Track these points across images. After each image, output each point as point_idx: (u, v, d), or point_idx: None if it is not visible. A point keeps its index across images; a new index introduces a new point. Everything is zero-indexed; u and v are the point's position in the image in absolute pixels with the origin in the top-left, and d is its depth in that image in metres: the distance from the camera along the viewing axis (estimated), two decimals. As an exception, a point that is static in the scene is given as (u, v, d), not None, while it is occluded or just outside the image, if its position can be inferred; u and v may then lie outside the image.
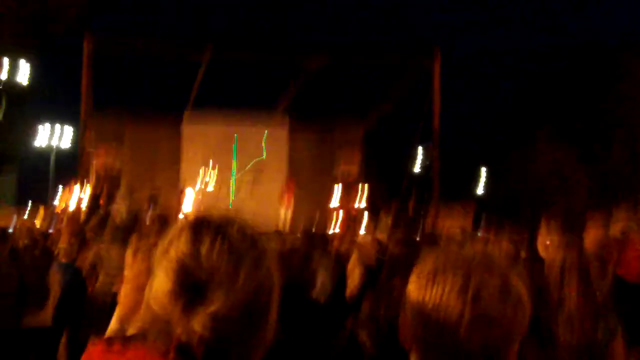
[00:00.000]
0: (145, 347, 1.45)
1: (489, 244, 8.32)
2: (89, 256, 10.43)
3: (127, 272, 3.16)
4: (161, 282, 1.44)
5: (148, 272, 2.86)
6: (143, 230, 11.87)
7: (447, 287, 1.59)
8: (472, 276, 1.58)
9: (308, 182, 29.74)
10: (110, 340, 1.52)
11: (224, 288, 1.40)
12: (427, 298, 1.60)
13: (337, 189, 28.81)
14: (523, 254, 8.81)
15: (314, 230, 21.28)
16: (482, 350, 1.55)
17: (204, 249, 1.44)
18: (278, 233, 12.41)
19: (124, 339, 1.49)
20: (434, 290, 1.60)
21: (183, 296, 1.40)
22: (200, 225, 1.49)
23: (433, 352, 1.60)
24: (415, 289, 1.65)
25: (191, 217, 1.54)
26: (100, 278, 9.85)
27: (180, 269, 1.43)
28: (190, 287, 1.41)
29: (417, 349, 1.64)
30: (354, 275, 7.51)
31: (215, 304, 1.38)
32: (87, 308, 10.56)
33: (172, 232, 1.52)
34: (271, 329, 1.52)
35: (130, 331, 1.75)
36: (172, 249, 1.47)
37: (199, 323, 1.38)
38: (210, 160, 27.73)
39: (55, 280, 8.88)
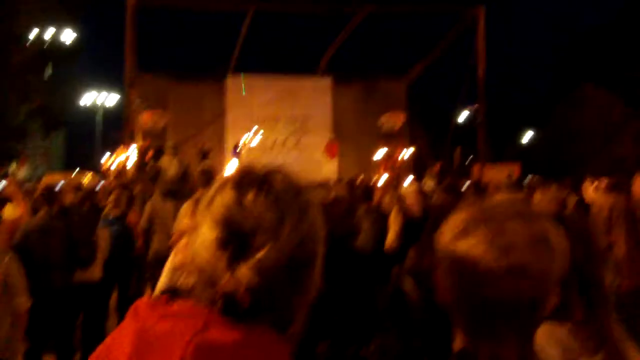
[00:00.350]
0: (192, 299, 1.46)
1: (535, 191, 8.22)
2: (145, 210, 10.57)
3: (184, 226, 3.17)
4: (206, 234, 1.44)
5: None
6: (192, 184, 11.99)
7: (479, 238, 1.56)
8: (504, 226, 1.55)
9: (352, 135, 29.76)
10: (157, 296, 1.53)
11: (269, 237, 1.39)
12: (459, 250, 1.58)
13: (382, 142, 28.76)
14: (570, 200, 8.72)
15: (358, 182, 21.36)
16: (517, 301, 1.53)
17: (248, 199, 1.43)
18: (323, 185, 12.40)
19: (171, 292, 1.49)
20: (466, 242, 1.58)
21: (228, 246, 1.40)
22: (244, 176, 1.49)
23: (469, 305, 1.59)
24: (447, 240, 1.63)
25: (238, 168, 1.54)
26: (157, 232, 10.01)
27: (225, 220, 1.42)
28: (235, 237, 1.40)
29: (454, 302, 1.63)
30: (395, 226, 7.50)
31: (260, 254, 1.38)
32: (142, 264, 10.75)
33: (216, 184, 1.52)
34: (317, 280, 1.51)
35: (179, 283, 1.78)
36: (216, 200, 1.46)
37: (244, 272, 1.37)
38: (255, 122, 27.82)
39: (103, 236, 9.00)
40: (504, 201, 1.66)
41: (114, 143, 26.39)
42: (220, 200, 1.46)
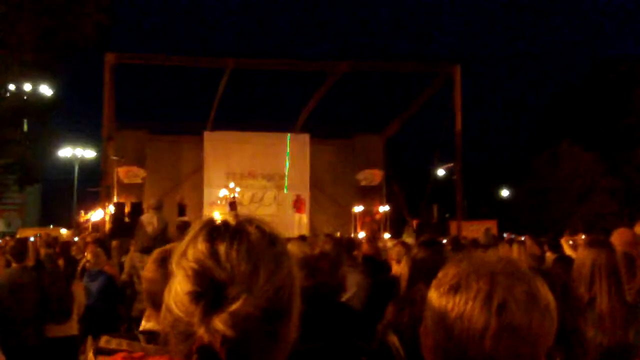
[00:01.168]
0: (166, 354, 1.44)
1: (513, 245, 8.26)
2: (125, 266, 10.54)
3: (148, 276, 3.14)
4: (180, 285, 1.42)
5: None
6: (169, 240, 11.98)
7: (470, 295, 1.53)
8: (497, 284, 1.53)
9: (330, 191, 29.98)
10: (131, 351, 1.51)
11: (244, 289, 1.37)
12: (449, 307, 1.55)
13: (359, 198, 28.98)
14: (549, 255, 8.75)
15: (338, 234, 21.40)
16: None
17: (222, 249, 1.42)
18: (302, 238, 12.41)
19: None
20: (457, 299, 1.54)
21: (203, 297, 1.38)
22: (217, 226, 1.48)
23: None
24: (437, 297, 1.60)
25: (208, 218, 1.53)
26: (137, 287, 9.95)
27: (199, 270, 1.40)
28: (210, 287, 1.38)
29: (439, 358, 1.60)
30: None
31: (235, 306, 1.36)
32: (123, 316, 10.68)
33: (190, 233, 1.50)
34: (294, 328, 1.49)
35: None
36: (190, 250, 1.45)
37: (220, 322, 1.35)
38: (233, 177, 28.00)
39: (78, 289, 8.93)
40: (493, 258, 1.64)
41: (90, 198, 26.32)
42: (192, 251, 1.44)
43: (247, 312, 1.36)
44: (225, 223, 1.48)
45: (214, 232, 1.45)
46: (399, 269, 7.82)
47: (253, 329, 1.37)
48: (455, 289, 1.57)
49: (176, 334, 1.41)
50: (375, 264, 8.79)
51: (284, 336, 1.46)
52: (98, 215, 25.19)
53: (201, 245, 1.43)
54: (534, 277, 1.61)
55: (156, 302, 3.02)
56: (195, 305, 1.37)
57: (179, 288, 1.41)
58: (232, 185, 26.28)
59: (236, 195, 25.89)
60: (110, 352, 2.64)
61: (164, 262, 3.05)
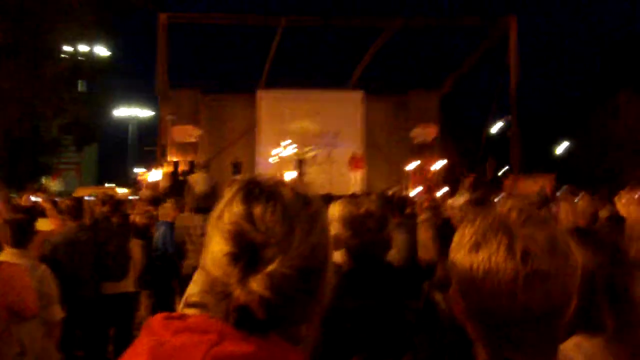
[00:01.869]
0: (206, 313, 1.47)
1: (561, 203, 8.13)
2: (175, 226, 10.73)
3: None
4: (218, 246, 1.45)
5: None
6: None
7: (492, 250, 1.52)
8: (515, 234, 1.53)
9: (384, 148, 29.83)
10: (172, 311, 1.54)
11: (279, 250, 1.39)
12: (475, 266, 1.53)
13: (414, 154, 28.81)
14: (603, 213, 8.61)
15: (391, 192, 21.33)
16: (538, 310, 1.49)
17: (257, 212, 1.43)
18: (353, 196, 12.40)
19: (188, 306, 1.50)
20: (480, 257, 1.53)
21: (240, 258, 1.41)
22: (252, 187, 1.49)
23: (490, 318, 1.54)
24: (460, 259, 1.59)
25: (243, 179, 1.54)
26: (189, 248, 10.09)
27: (235, 234, 1.42)
28: (246, 249, 1.40)
29: (474, 320, 1.59)
30: (426, 240, 7.47)
31: (271, 267, 1.38)
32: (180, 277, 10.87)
33: (225, 195, 1.52)
34: (329, 288, 1.51)
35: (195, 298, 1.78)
36: (226, 213, 1.47)
37: (257, 283, 1.38)
38: (286, 135, 28.03)
39: (136, 247, 9.07)
40: (514, 209, 1.63)
41: (146, 157, 26.64)
42: (228, 214, 1.46)
43: (282, 272, 1.39)
44: (260, 185, 1.50)
45: (249, 194, 1.47)
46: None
47: (289, 289, 1.40)
48: (476, 247, 1.57)
49: (214, 294, 1.45)
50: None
51: (319, 293, 1.49)
52: (155, 175, 25.48)
53: (237, 208, 1.46)
54: (548, 220, 1.60)
55: None
56: (233, 266, 1.41)
57: (216, 249, 1.45)
58: (286, 142, 26.31)
59: (307, 154, 25.90)
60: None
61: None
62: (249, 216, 1.43)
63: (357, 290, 3.22)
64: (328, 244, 1.52)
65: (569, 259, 1.55)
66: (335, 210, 3.36)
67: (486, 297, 1.54)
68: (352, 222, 3.35)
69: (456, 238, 1.65)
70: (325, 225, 1.53)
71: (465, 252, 1.59)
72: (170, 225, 10.53)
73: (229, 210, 1.46)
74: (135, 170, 29.21)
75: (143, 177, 28.15)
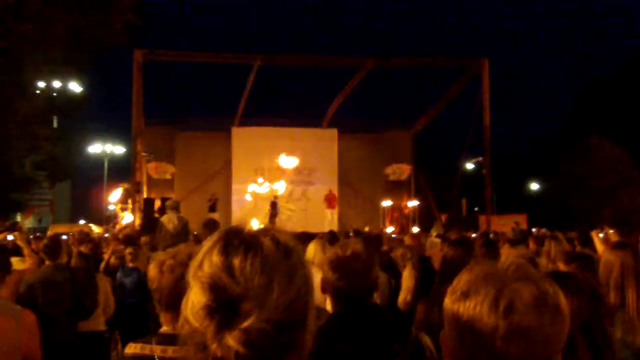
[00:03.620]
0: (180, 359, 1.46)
1: (546, 241, 8.20)
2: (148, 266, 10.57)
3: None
4: (195, 299, 1.44)
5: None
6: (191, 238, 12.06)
7: (479, 300, 1.55)
8: (504, 287, 1.55)
9: (358, 186, 29.92)
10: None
11: (258, 302, 1.39)
12: (461, 312, 1.56)
13: (388, 192, 28.93)
14: (579, 249, 8.68)
15: (366, 229, 21.37)
16: None
17: (236, 262, 1.42)
18: (332, 234, 12.37)
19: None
20: (467, 304, 1.57)
21: (217, 312, 1.38)
22: (233, 236, 1.49)
23: None
24: (450, 303, 1.62)
25: (223, 229, 1.54)
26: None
27: (214, 284, 1.41)
28: (223, 302, 1.38)
29: None
30: (409, 282, 7.49)
31: (247, 322, 1.38)
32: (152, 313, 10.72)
33: (206, 244, 1.52)
34: (309, 340, 1.51)
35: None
36: (205, 262, 1.46)
37: (233, 339, 1.37)
38: (261, 172, 28.06)
39: (104, 282, 8.96)
40: (511, 263, 1.66)
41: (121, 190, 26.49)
42: (208, 264, 1.44)
43: (259, 328, 1.36)
44: (240, 235, 1.50)
45: (229, 244, 1.47)
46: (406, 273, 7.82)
47: (266, 343, 1.38)
48: (465, 294, 1.60)
49: (194, 344, 1.44)
50: (420, 261, 8.71)
51: (299, 345, 1.47)
52: (129, 217, 25.39)
53: (216, 258, 1.44)
54: (544, 279, 1.62)
55: (158, 301, 3.11)
56: (210, 319, 1.39)
57: (195, 300, 1.43)
58: (260, 180, 26.33)
59: (280, 192, 25.94)
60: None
61: (161, 264, 3.14)
62: (227, 268, 1.40)
63: (344, 333, 3.22)
64: (309, 295, 1.50)
65: (558, 314, 1.57)
66: (311, 251, 3.34)
67: (467, 345, 1.57)
68: (338, 265, 3.36)
69: (454, 283, 1.68)
70: (307, 275, 1.50)
71: (455, 298, 1.62)
72: (142, 274, 10.37)
73: (208, 260, 1.45)
74: (110, 200, 28.92)
75: (118, 210, 28.00)
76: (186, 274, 1.48)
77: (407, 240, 9.73)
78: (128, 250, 10.53)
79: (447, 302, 1.64)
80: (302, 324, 1.47)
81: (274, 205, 25.31)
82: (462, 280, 1.64)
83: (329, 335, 3.05)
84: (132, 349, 2.92)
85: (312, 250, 6.92)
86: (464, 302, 1.58)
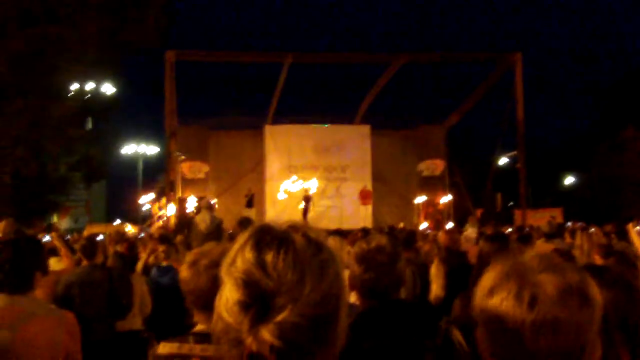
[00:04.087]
0: (218, 357, 1.50)
1: (577, 234, 8.15)
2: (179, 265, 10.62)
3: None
4: (229, 295, 1.45)
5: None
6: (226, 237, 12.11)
7: (504, 295, 1.58)
8: (526, 281, 1.58)
9: (391, 182, 29.85)
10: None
11: (290, 299, 1.39)
12: (489, 309, 1.59)
13: (421, 188, 28.86)
14: (615, 243, 8.61)
15: (401, 225, 21.35)
16: (552, 355, 1.55)
17: (268, 260, 1.43)
18: (364, 231, 12.38)
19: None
20: (494, 301, 1.59)
21: (251, 307, 1.40)
22: (264, 235, 1.51)
23: None
24: (479, 301, 1.64)
25: (256, 225, 1.56)
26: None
27: (246, 281, 1.43)
28: (257, 297, 1.40)
29: (493, 358, 1.63)
30: (438, 276, 7.46)
31: (281, 316, 1.39)
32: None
33: (239, 240, 1.53)
34: (342, 335, 1.52)
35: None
36: (238, 259, 1.48)
37: (268, 332, 1.38)
38: (294, 170, 28.12)
39: (138, 281, 9.01)
40: (535, 256, 1.67)
41: (154, 193, 26.67)
42: (240, 260, 1.46)
43: (293, 321, 1.39)
44: (271, 231, 1.51)
45: (261, 241, 1.49)
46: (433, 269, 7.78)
47: (300, 337, 1.40)
48: (491, 291, 1.62)
49: (228, 340, 1.45)
50: (453, 256, 8.68)
51: (331, 340, 1.49)
52: (171, 209, 25.59)
53: (249, 255, 1.46)
54: (571, 268, 1.63)
55: (193, 302, 3.12)
56: (244, 315, 1.41)
57: (229, 296, 1.45)
58: (294, 178, 26.39)
59: (312, 190, 26.01)
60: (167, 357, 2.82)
61: (194, 264, 3.15)
62: (260, 263, 1.44)
63: (373, 330, 3.22)
64: (341, 290, 1.51)
65: (586, 305, 1.57)
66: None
67: (501, 341, 1.58)
68: (363, 258, 3.37)
69: (481, 280, 1.69)
70: (338, 271, 1.52)
71: (482, 296, 1.64)
72: (177, 272, 10.41)
73: (241, 256, 1.47)
74: (143, 201, 29.13)
75: (155, 209, 28.23)
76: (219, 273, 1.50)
77: (440, 236, 9.70)
78: (161, 248, 10.59)
79: (476, 299, 1.66)
80: (334, 320, 1.49)
81: (307, 200, 25.37)
82: (486, 278, 1.66)
83: (356, 333, 3.06)
84: (167, 348, 2.92)
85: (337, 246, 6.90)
86: (491, 298, 1.61)
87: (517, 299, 1.56)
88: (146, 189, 30.55)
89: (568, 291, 1.56)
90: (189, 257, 3.25)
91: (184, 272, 3.20)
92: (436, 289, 7.30)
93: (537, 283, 1.57)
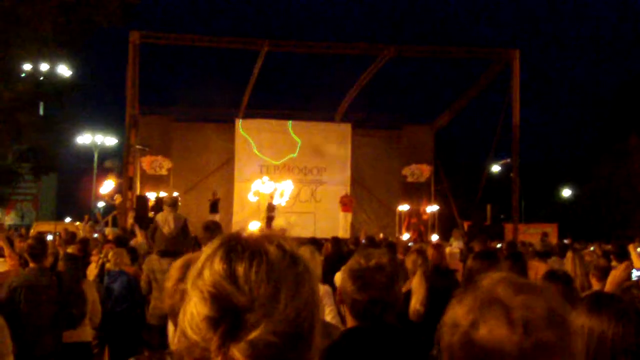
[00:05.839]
0: None
1: (568, 254, 8.21)
2: (143, 271, 10.58)
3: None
4: (195, 310, 1.44)
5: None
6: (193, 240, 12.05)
7: (492, 323, 1.57)
8: (510, 303, 1.58)
9: (373, 184, 29.81)
10: None
11: (264, 312, 1.39)
12: (477, 342, 1.59)
13: (405, 195, 28.85)
14: (614, 264, 8.66)
15: (380, 236, 21.35)
16: None
17: (240, 270, 1.43)
18: (335, 241, 12.45)
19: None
20: (481, 331, 1.58)
21: (221, 323, 1.39)
22: (236, 243, 1.49)
23: None
24: (460, 337, 1.63)
25: (226, 234, 1.54)
26: (154, 294, 10.00)
27: (217, 294, 1.41)
28: (227, 313, 1.38)
29: None
30: (419, 292, 7.47)
31: (255, 331, 1.38)
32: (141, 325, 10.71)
33: (206, 251, 1.52)
34: (316, 349, 1.51)
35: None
36: (205, 271, 1.46)
37: (239, 351, 1.37)
38: (266, 170, 28.07)
39: (90, 288, 8.93)
40: (498, 279, 1.67)
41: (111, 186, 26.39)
42: (209, 272, 1.44)
43: (266, 340, 1.38)
44: (243, 241, 1.50)
45: (232, 251, 1.47)
46: (411, 283, 7.78)
47: (273, 356, 1.40)
48: (474, 324, 1.61)
49: (193, 359, 1.45)
50: (440, 274, 8.69)
51: (306, 355, 1.49)
52: (107, 185, 25.31)
53: (218, 266, 1.44)
54: (541, 289, 1.65)
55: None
56: (213, 332, 1.39)
57: (195, 311, 1.43)
58: (265, 179, 26.28)
59: (277, 202, 25.84)
60: None
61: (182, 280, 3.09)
62: (231, 276, 1.41)
63: (357, 353, 3.22)
64: (316, 308, 1.52)
65: (569, 325, 1.59)
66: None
67: None
68: (359, 276, 3.36)
69: (448, 320, 1.68)
70: (314, 287, 1.52)
71: (463, 331, 1.63)
72: (131, 278, 10.38)
73: (209, 268, 1.45)
74: (101, 193, 28.98)
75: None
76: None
77: (428, 251, 9.74)
78: (110, 253, 10.53)
79: (455, 339, 1.65)
80: (308, 338, 1.48)
81: (270, 209, 25.15)
82: (460, 313, 1.65)
83: (337, 354, 3.05)
84: None
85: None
86: (477, 331, 1.60)
87: (509, 325, 1.56)
88: (101, 184, 30.23)
89: (552, 312, 1.58)
90: (178, 263, 3.20)
91: (171, 283, 3.13)
92: (415, 302, 7.28)
93: (521, 306, 1.58)
